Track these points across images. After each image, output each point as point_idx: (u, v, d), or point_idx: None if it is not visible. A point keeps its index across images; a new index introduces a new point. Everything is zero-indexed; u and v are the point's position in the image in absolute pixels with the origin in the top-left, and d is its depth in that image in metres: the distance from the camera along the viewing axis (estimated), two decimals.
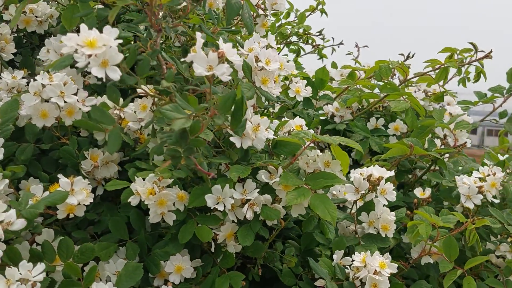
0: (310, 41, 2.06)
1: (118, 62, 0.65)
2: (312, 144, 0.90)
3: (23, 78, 1.04)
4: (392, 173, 1.00)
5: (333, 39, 2.09)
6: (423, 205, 1.10)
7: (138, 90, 0.78)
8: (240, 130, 0.77)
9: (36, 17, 1.18)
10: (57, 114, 0.94)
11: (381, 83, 1.40)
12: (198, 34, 0.69)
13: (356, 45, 2.07)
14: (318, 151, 0.91)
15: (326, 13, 2.03)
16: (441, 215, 1.00)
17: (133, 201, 0.83)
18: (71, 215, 0.82)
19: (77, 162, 0.96)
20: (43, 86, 0.93)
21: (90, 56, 0.64)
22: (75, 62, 0.67)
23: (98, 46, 0.64)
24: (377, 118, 1.44)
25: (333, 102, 1.46)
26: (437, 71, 1.33)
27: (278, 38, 2.02)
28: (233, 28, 1.16)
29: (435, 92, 1.42)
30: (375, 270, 0.86)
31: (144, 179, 0.85)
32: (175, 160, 0.72)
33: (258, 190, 0.85)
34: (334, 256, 0.94)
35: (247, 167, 0.85)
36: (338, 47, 2.09)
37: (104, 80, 0.66)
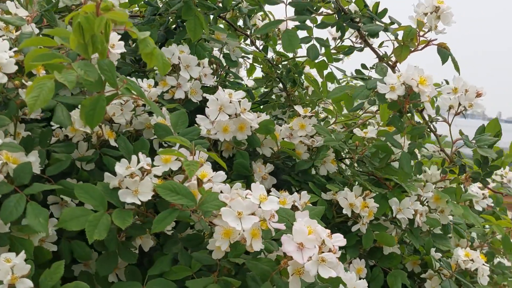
0: None
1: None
2: None
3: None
4: None
5: None
6: None
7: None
8: None
9: None
10: (234, 129, 1.00)
11: None
12: None
13: None
14: None
15: None
16: None
17: (349, 212, 0.97)
18: None
19: (250, 174, 1.02)
20: (230, 102, 0.98)
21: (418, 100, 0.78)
22: None
23: (427, 85, 0.79)
24: None
25: None
26: None
27: None
28: None
29: None
30: (483, 262, 1.15)
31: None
32: (474, 181, 0.90)
33: (419, 202, 1.06)
34: (433, 254, 1.19)
35: (413, 184, 1.06)
36: None
37: None
